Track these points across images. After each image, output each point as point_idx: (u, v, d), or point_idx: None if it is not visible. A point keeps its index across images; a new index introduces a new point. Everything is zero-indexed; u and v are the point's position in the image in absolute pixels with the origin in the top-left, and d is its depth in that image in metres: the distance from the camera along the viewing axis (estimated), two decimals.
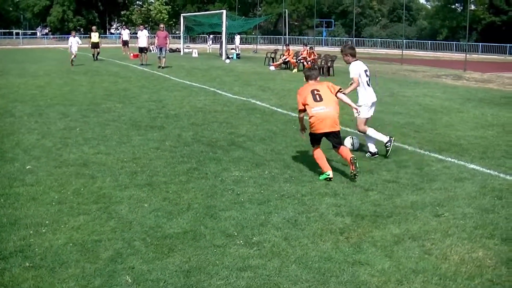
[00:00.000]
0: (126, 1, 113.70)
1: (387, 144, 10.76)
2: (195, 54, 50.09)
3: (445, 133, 13.49)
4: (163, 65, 33.06)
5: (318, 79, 9.91)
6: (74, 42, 35.03)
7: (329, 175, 9.16)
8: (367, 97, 10.95)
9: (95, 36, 39.60)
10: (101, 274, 5.50)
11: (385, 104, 18.42)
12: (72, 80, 25.25)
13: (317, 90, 9.48)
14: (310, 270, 5.66)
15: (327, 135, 9.45)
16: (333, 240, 6.50)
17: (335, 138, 9.50)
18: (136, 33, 45.53)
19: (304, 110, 9.57)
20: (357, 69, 10.88)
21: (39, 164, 9.77)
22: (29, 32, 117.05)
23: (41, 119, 14.46)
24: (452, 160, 10.68)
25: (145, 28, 41.96)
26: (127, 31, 52.59)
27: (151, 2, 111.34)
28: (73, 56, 34.34)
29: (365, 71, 10.99)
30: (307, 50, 34.65)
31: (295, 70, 33.78)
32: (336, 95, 9.59)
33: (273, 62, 38.15)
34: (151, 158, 10.40)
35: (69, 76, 27.48)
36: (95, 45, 39.62)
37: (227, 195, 8.17)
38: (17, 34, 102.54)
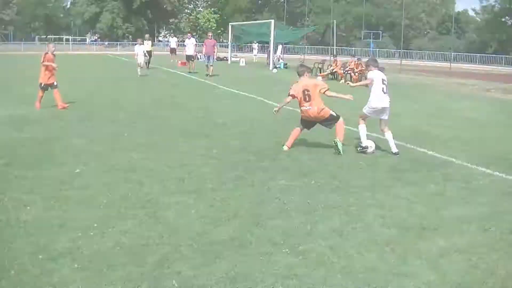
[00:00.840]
0: (175, 9, 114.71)
1: (358, 148, 12.03)
2: (242, 63, 50.26)
3: (493, 147, 13.31)
4: (210, 73, 33.26)
5: (306, 74, 12.15)
6: (140, 51, 33.37)
7: (284, 149, 12.02)
8: (375, 100, 11.95)
9: (147, 44, 39.76)
10: (148, 278, 5.57)
11: (433, 117, 18.32)
12: (121, 87, 25.59)
13: (307, 90, 11.76)
14: (355, 280, 5.65)
15: (316, 122, 12.15)
16: (379, 251, 6.48)
17: (325, 122, 12.07)
18: (184, 41, 45.85)
19: (293, 97, 12.03)
20: (374, 74, 12.11)
21: (88, 168, 9.91)
22: (79, 38, 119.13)
23: (90, 124, 14.69)
24: (500, 174, 10.51)
25: (192, 36, 42.31)
26: (175, 39, 53.18)
27: (200, 10, 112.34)
28: (139, 66, 32.86)
29: (383, 79, 11.96)
30: (355, 61, 34.59)
31: (342, 81, 33.69)
32: (325, 93, 11.85)
33: (320, 72, 38.09)
34: (199, 165, 10.46)
35: (118, 82, 27.86)
36: (148, 53, 39.43)
37: (274, 204, 8.18)
38: (67, 40, 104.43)
